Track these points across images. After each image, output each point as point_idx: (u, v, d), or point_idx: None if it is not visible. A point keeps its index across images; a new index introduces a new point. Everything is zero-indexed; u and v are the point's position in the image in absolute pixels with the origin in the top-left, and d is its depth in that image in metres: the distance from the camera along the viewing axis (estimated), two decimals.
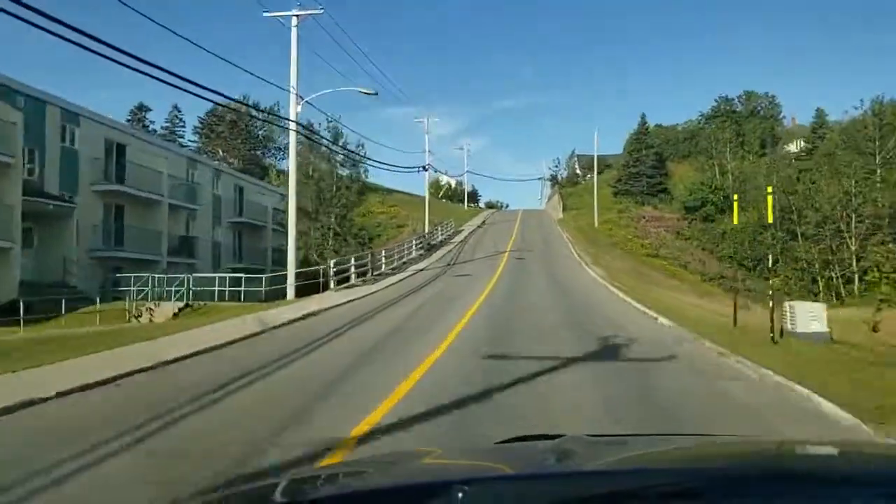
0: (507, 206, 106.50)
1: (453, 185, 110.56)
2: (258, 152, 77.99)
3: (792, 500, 1.20)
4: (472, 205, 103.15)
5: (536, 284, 24.64)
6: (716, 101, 73.78)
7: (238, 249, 40.61)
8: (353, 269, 27.08)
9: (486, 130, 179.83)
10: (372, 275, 29.33)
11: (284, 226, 39.03)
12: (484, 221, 67.48)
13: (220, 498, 1.66)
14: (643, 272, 36.25)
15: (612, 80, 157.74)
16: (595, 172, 58.85)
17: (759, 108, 72.93)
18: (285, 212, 39.51)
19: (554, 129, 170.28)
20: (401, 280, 27.99)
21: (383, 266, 32.17)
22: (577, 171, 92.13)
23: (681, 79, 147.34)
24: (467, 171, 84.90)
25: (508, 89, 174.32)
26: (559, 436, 1.87)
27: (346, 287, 25.52)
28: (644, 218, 58.36)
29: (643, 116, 67.73)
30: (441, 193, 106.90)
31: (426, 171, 53.61)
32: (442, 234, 51.11)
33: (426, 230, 48.77)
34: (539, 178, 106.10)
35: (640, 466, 1.56)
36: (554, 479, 1.42)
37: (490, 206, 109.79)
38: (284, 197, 41.34)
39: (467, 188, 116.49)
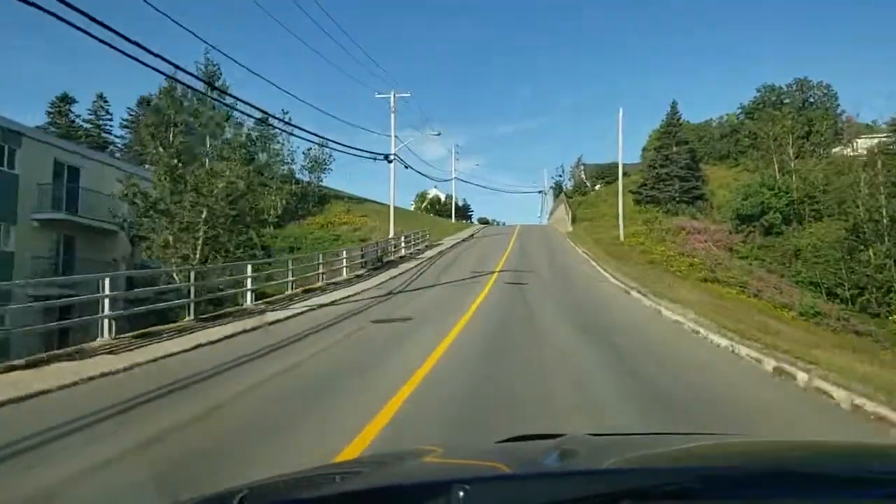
0: (504, 223, 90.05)
1: (443, 199, 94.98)
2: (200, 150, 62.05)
3: (793, 500, 1.16)
4: (464, 221, 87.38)
5: (571, 366, 8.56)
6: (758, 90, 58.25)
7: (62, 264, 24.40)
8: (106, 308, 10.78)
9: (485, 153, 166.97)
10: (195, 317, 13.18)
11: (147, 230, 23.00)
12: (472, 235, 51.45)
13: (220, 498, 1.45)
14: (729, 308, 20.04)
15: (627, 76, 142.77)
16: (620, 167, 42.62)
17: (811, 98, 57.26)
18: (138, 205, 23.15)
19: (557, 145, 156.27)
20: (242, 333, 11.81)
21: (248, 299, 15.97)
22: (585, 181, 76.36)
23: (710, 68, 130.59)
24: (455, 178, 68.96)
25: (508, 112, 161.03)
26: (560, 435, 1.81)
27: (41, 364, 9.16)
28: (684, 230, 42.27)
29: (674, 105, 52.06)
30: (424, 204, 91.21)
31: (391, 162, 37.88)
32: (408, 248, 35.13)
33: (381, 241, 32.83)
34: (539, 192, 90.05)
35: (641, 466, 1.50)
36: (555, 478, 1.37)
37: (483, 221, 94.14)
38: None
39: (459, 201, 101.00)
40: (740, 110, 59.42)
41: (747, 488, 1.19)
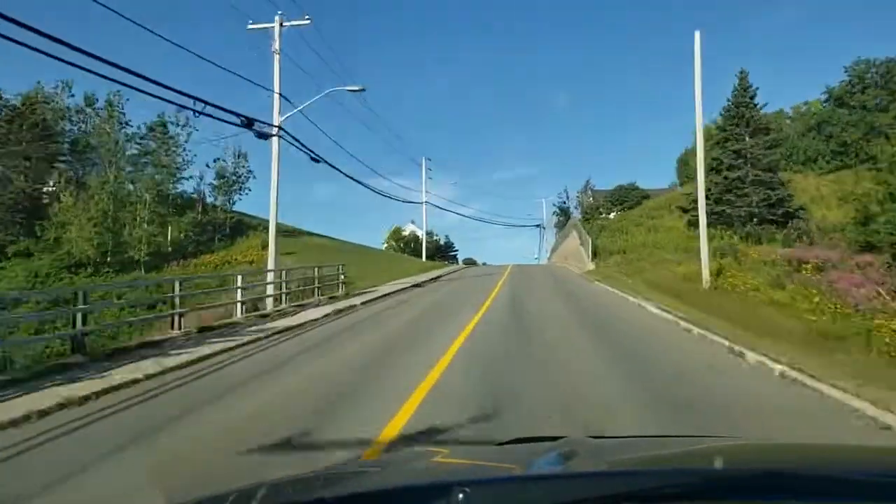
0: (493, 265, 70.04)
1: (420, 236, 76.09)
2: (61, 161, 43.47)
3: (793, 502, 1.13)
4: (445, 261, 68.14)
5: None
6: (847, 69, 39.80)
7: None
8: None
9: (481, 199, 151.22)
10: None
11: None
12: (437, 277, 32.26)
13: (219, 499, 1.41)
14: None
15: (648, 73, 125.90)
16: (698, 127, 22.43)
17: None
18: None
19: (557, 175, 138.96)
20: None
21: None
22: (598, 206, 57.58)
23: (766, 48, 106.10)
24: (426, 202, 49.96)
25: (505, 157, 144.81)
26: (561, 437, 1.80)
27: None
28: (807, 263, 23.04)
29: (743, 77, 33.25)
30: (387, 239, 72.27)
31: (265, 137, 19.15)
32: (271, 303, 15.93)
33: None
34: (537, 226, 71.12)
35: (640, 468, 1.47)
36: (555, 480, 1.35)
37: (470, 262, 74.99)
38: None
39: (440, 239, 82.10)
40: (825, 95, 40.88)
41: (747, 490, 1.15)
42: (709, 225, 32.23)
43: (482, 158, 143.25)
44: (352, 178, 35.13)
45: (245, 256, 37.30)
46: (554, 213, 63.58)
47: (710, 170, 33.93)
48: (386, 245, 76.74)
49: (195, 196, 46.76)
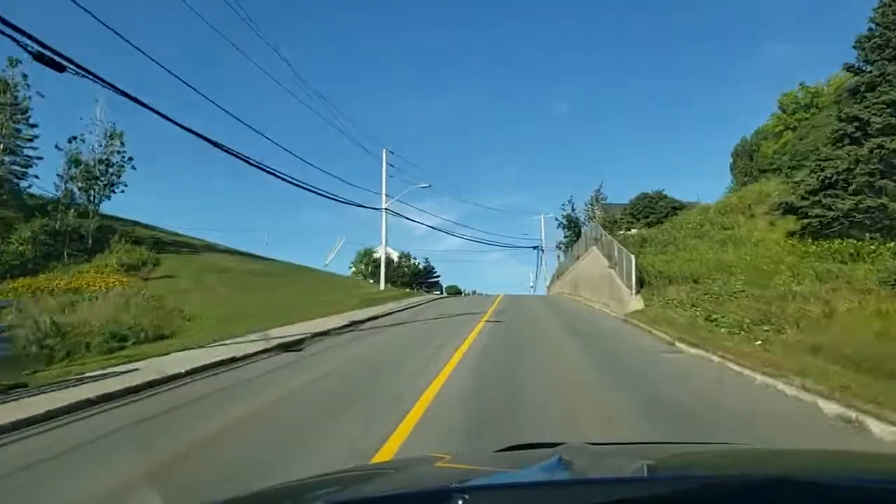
0: (480, 293, 54.85)
1: (394, 259, 61.85)
2: None
3: None
4: (422, 289, 53.87)
5: None
6: None
7: None
8: None
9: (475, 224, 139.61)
10: None
11: None
12: (369, 319, 18.00)
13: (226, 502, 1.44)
14: None
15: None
16: None
17: None
18: None
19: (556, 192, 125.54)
20: None
21: None
22: (616, 219, 43.66)
23: None
24: (386, 209, 35.64)
25: (499, 181, 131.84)
26: (560, 444, 1.77)
27: None
28: None
29: None
30: (355, 263, 58.14)
31: None
32: None
33: None
34: (534, 247, 56.79)
35: (638, 475, 1.43)
36: (554, 486, 1.32)
37: (454, 291, 60.69)
38: None
39: (418, 262, 67.94)
40: None
41: (747, 497, 1.13)
42: (836, 235, 18.19)
43: (474, 183, 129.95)
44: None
45: (70, 283, 22.85)
46: (560, 225, 49.46)
47: (837, 139, 19.95)
48: (354, 269, 62.66)
49: (59, 194, 32.34)
